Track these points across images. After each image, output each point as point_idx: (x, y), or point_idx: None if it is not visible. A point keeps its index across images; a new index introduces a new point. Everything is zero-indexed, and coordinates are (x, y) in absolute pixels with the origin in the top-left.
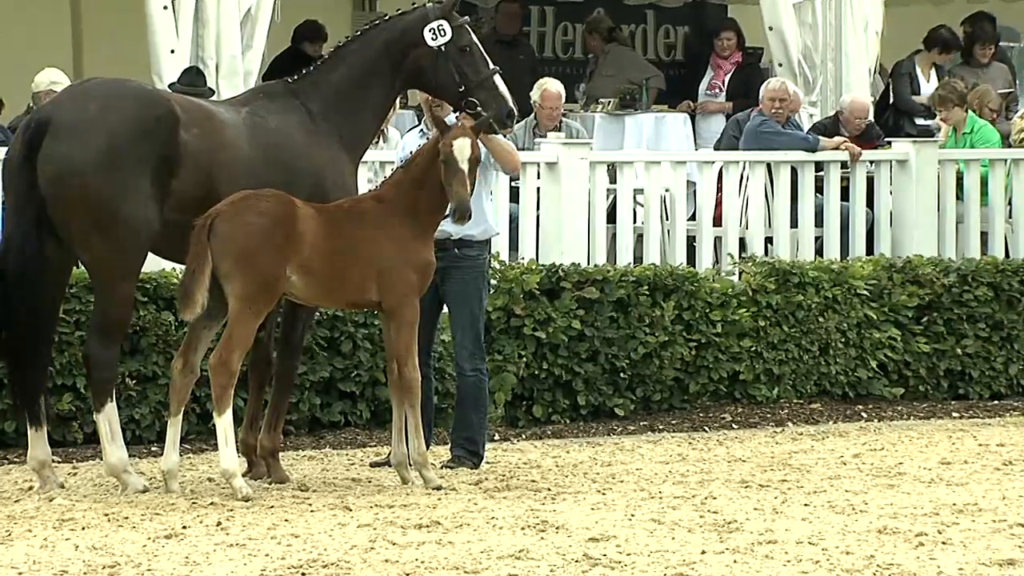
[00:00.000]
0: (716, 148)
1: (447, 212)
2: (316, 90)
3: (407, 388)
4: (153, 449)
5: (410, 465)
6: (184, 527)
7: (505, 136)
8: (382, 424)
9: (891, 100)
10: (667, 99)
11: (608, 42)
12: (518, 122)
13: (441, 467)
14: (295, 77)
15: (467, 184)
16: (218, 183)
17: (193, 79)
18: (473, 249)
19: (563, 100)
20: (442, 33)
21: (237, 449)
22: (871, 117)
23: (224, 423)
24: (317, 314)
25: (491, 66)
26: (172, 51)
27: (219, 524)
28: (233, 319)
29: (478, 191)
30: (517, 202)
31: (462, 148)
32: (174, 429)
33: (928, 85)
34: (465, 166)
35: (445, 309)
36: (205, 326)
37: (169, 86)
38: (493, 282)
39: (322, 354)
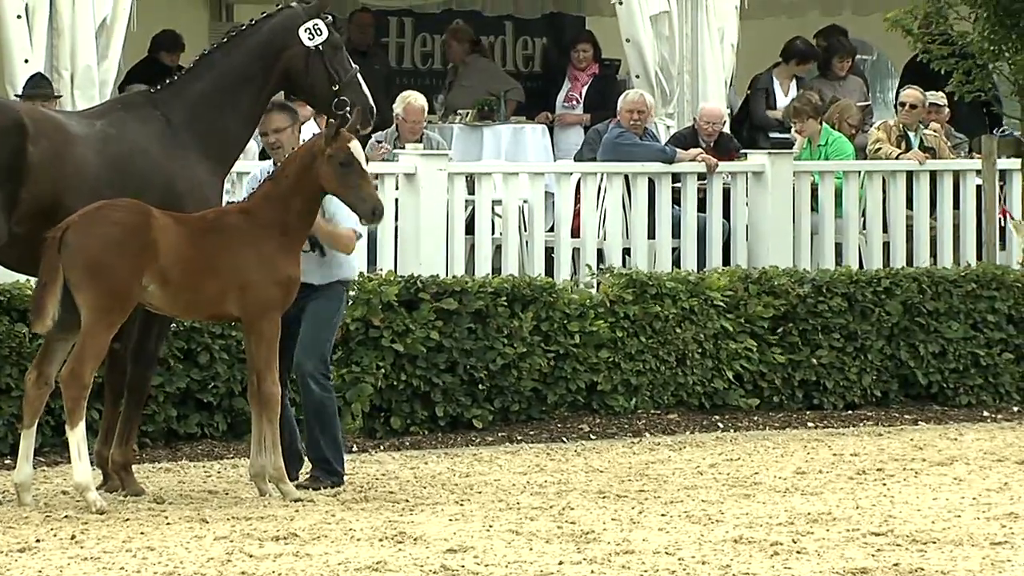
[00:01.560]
0: (575, 160)
1: (360, 219)
2: (179, 99)
3: (265, 402)
4: (7, 462)
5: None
6: (38, 540)
7: (369, 138)
8: (239, 436)
9: (748, 114)
10: (525, 110)
11: (471, 52)
12: (376, 130)
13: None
14: (158, 87)
15: (372, 182)
16: (66, 196)
17: (37, 83)
18: (335, 284)
19: (425, 113)
20: (318, 32)
21: (92, 462)
22: (727, 129)
23: (76, 436)
24: (174, 325)
25: (353, 64)
26: (26, 61)
27: (73, 537)
28: (85, 331)
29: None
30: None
31: (358, 148)
32: (27, 441)
33: (786, 99)
34: (366, 165)
35: None
36: (60, 338)
37: (16, 96)
38: (352, 294)
39: (179, 365)
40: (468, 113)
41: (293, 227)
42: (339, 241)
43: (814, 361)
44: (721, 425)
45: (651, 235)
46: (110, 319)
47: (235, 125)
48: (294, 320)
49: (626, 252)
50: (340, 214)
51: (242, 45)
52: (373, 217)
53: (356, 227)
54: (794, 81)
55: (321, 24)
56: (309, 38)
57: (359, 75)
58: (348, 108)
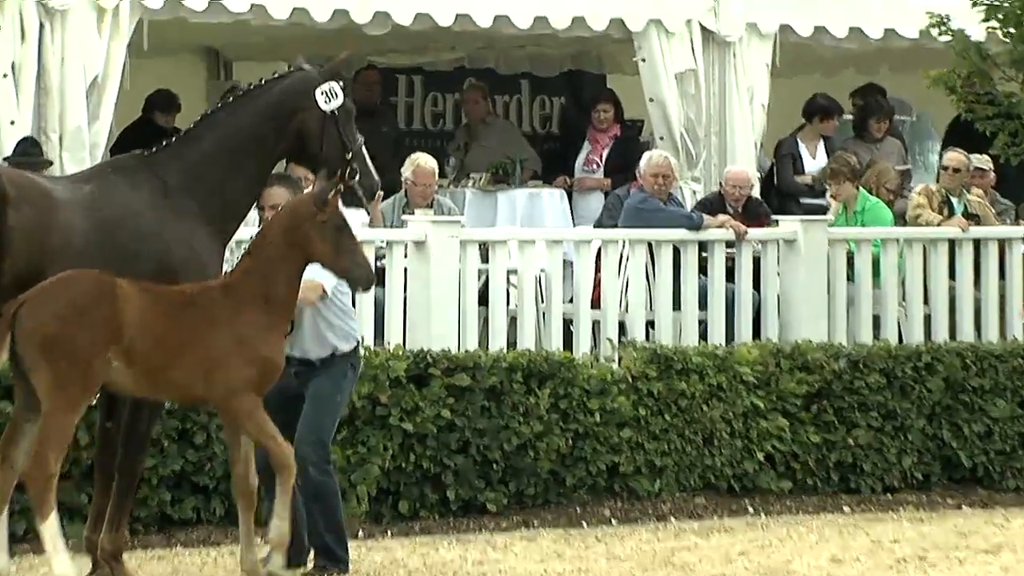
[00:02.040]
0: (595, 226)
1: (352, 288)
2: (177, 160)
3: (279, 469)
4: None
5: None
6: None
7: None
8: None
9: (775, 182)
10: (543, 174)
11: (492, 112)
12: (384, 199)
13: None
14: (153, 149)
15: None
16: (50, 267)
17: (27, 148)
18: (334, 360)
19: (436, 177)
20: (334, 96)
21: (82, 547)
22: (757, 193)
23: (49, 529)
24: (168, 403)
25: (358, 135)
26: (12, 122)
27: None
28: (45, 414)
29: (322, 308)
30: (382, 285)
31: (345, 210)
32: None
33: (815, 160)
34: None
35: None
36: (28, 418)
37: (4, 159)
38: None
39: (173, 446)
40: (482, 177)
41: (276, 302)
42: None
43: (850, 441)
44: (751, 509)
45: (676, 306)
46: (71, 399)
47: (239, 188)
48: (298, 399)
49: (650, 324)
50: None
51: (251, 105)
52: (369, 284)
53: (325, 282)
54: (821, 142)
55: (337, 88)
56: (326, 101)
57: (364, 146)
58: (358, 178)
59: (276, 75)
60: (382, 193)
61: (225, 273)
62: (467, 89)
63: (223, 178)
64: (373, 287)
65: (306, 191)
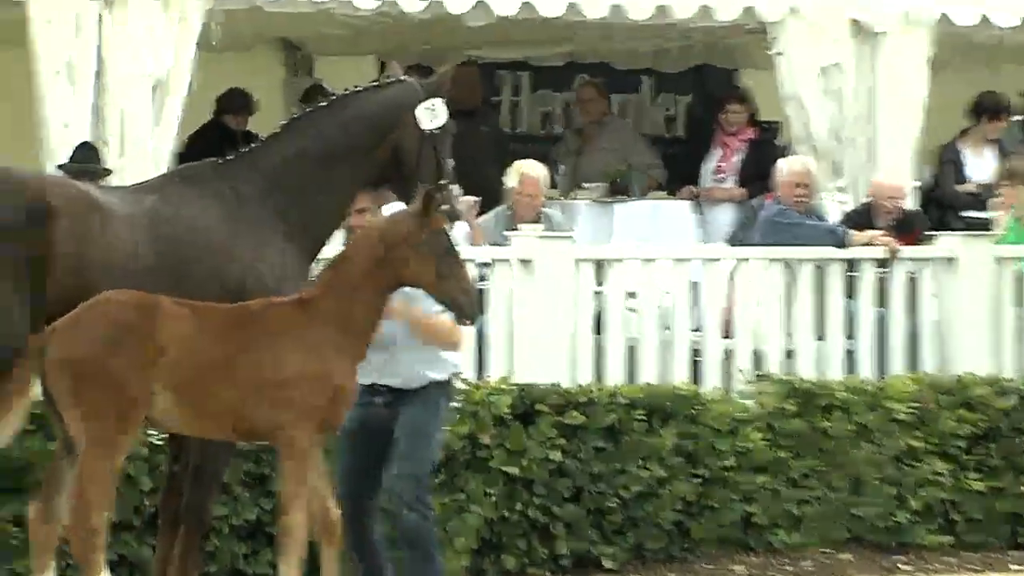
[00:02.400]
0: (726, 243)
1: (455, 318)
2: (255, 171)
3: (284, 533)
4: None
5: None
6: None
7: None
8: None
9: (936, 192)
10: (666, 183)
11: (608, 112)
12: (485, 212)
13: None
14: (229, 157)
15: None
16: (97, 287)
17: (84, 155)
18: (432, 388)
19: (545, 187)
20: (437, 114)
21: None
22: (914, 205)
23: None
24: (240, 444)
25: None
26: (66, 125)
27: None
28: (83, 461)
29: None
30: (483, 310)
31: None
32: None
33: (981, 167)
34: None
35: None
36: (69, 462)
37: (58, 167)
38: (455, 405)
39: (246, 493)
40: (597, 187)
41: (356, 326)
42: (440, 334)
43: (1021, 489)
44: (905, 567)
45: (819, 334)
46: (108, 440)
47: (326, 204)
48: (384, 434)
49: (788, 355)
50: (428, 301)
51: (344, 113)
52: (475, 315)
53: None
54: (988, 146)
55: (441, 105)
56: (429, 120)
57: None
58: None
59: (374, 83)
60: (474, 201)
61: (304, 287)
62: (581, 86)
63: (309, 192)
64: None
65: (394, 207)
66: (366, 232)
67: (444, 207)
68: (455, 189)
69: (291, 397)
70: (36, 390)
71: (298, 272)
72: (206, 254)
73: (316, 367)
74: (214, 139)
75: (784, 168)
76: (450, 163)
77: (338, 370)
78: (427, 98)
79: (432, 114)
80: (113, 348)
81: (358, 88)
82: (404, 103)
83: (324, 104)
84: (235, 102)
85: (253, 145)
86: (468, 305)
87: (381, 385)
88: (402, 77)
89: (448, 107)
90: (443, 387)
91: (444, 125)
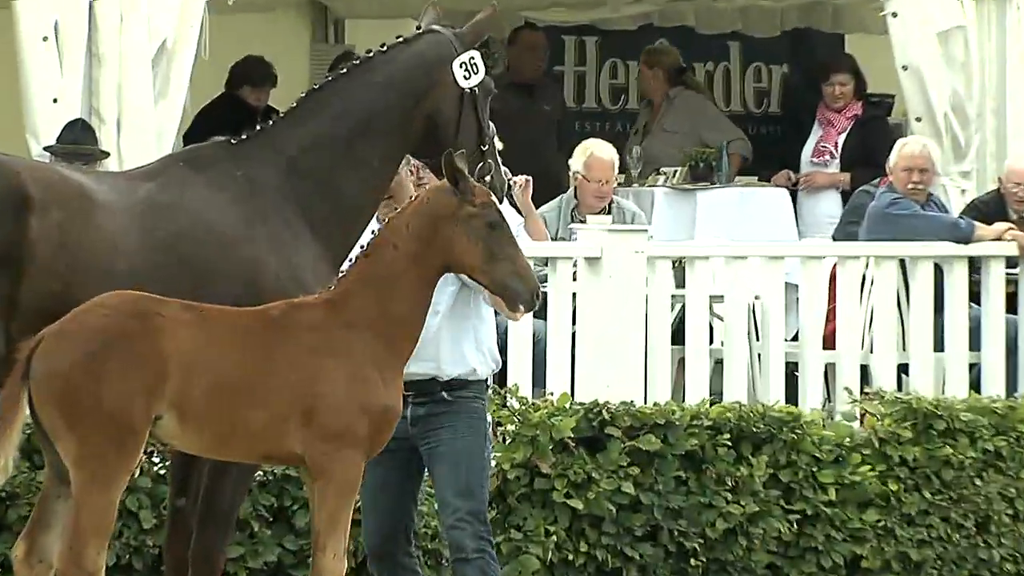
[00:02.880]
0: (830, 238)
1: (510, 304)
2: (272, 152)
3: None
4: None
5: None
6: None
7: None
8: None
9: None
10: (757, 168)
11: (674, 84)
12: (544, 201)
13: None
14: (242, 136)
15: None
16: (83, 292)
17: (77, 136)
18: (469, 390)
19: (616, 171)
20: (475, 70)
21: None
22: None
23: None
24: (259, 472)
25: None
26: (55, 100)
27: None
28: (77, 494)
29: (467, 303)
30: (543, 316)
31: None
32: None
33: None
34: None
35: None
36: (59, 494)
37: (45, 149)
38: (510, 428)
39: (266, 530)
40: (675, 172)
41: (399, 327)
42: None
43: None
44: None
45: (938, 346)
46: (105, 471)
47: (357, 188)
48: (409, 460)
49: (902, 369)
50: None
51: (371, 78)
52: (533, 302)
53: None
54: None
55: (478, 59)
56: (465, 76)
57: (497, 139)
58: (489, 174)
59: (400, 39)
60: (525, 179)
61: (330, 284)
62: (641, 57)
63: (336, 175)
64: (531, 313)
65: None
66: (404, 210)
67: (485, 177)
68: (495, 162)
69: (331, 424)
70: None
71: (325, 274)
72: (214, 253)
73: (359, 388)
74: (227, 116)
75: (898, 150)
76: (491, 128)
77: (383, 387)
78: (463, 51)
79: (469, 69)
80: (108, 363)
81: (384, 47)
82: (438, 58)
83: (346, 70)
84: (253, 72)
85: (270, 122)
86: (523, 291)
87: (409, 382)
88: (435, 27)
89: (495, 68)
90: (482, 389)
91: (482, 83)
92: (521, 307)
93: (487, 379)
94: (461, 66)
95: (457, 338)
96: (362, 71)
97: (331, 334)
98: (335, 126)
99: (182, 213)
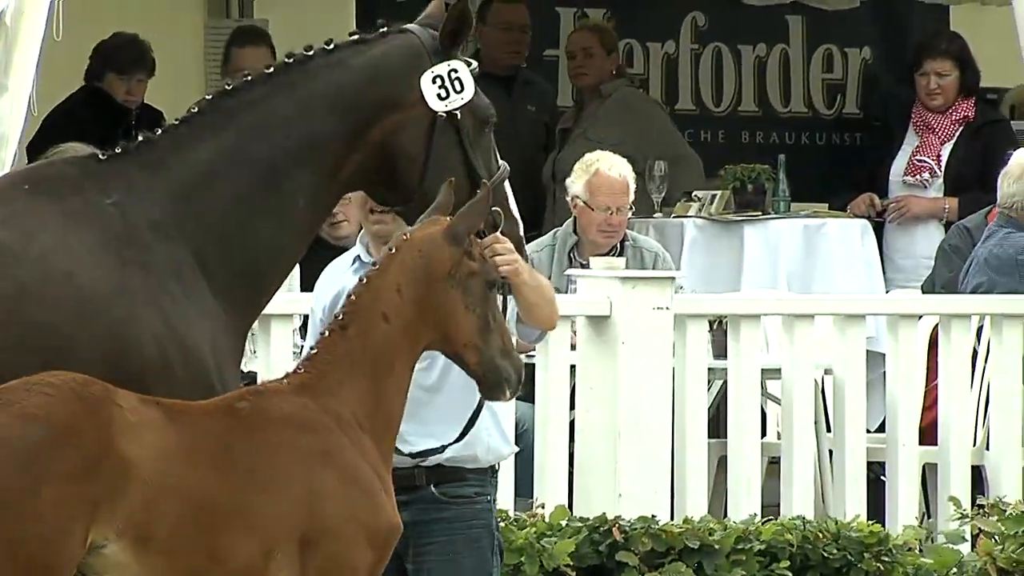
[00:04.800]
0: (927, 287)
1: (489, 392)
2: (157, 176)
3: None
4: None
5: None
6: None
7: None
8: None
9: None
10: (828, 192)
11: (614, 76)
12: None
13: None
14: (115, 150)
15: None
16: None
17: None
18: (468, 485)
19: (632, 195)
20: (455, 87)
21: None
22: None
23: None
24: None
25: (499, 159)
26: None
27: None
28: None
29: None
30: (530, 398)
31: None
32: None
33: None
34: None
35: None
36: None
37: None
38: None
39: None
40: (714, 197)
41: (388, 421)
42: (551, 298)
43: None
44: None
45: None
46: None
47: (274, 237)
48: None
49: None
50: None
51: (302, 89)
52: (517, 387)
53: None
54: None
55: (464, 71)
56: (440, 96)
57: (508, 183)
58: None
59: (356, 37)
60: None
61: (299, 364)
62: (597, 33)
63: (244, 215)
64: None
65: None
66: (384, 271)
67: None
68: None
69: (333, 553)
70: None
71: (227, 347)
72: (73, 314)
73: (363, 506)
74: (88, 117)
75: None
76: (502, 168)
77: (386, 501)
78: (440, 60)
79: (447, 84)
80: (36, 474)
81: (330, 45)
82: (400, 69)
83: (271, 70)
84: (120, 56)
85: (157, 132)
86: (513, 372)
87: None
88: (409, 26)
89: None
90: (487, 486)
91: (472, 104)
92: (508, 393)
93: (490, 469)
94: (435, 81)
95: (460, 408)
96: (293, 76)
97: (322, 433)
98: (249, 148)
99: (26, 260)
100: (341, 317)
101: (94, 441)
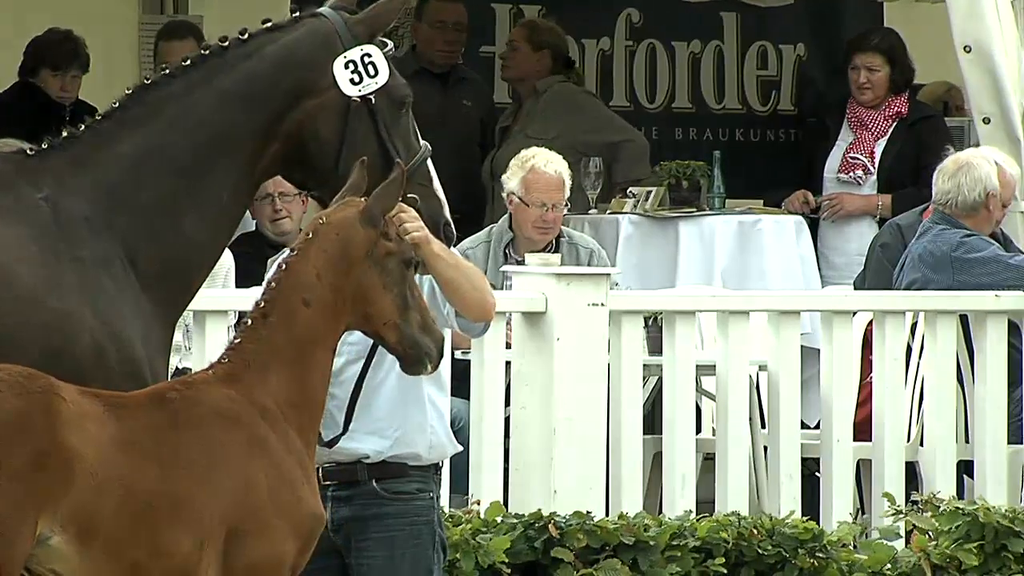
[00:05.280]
0: (858, 282)
1: (417, 367)
2: (85, 171)
3: None
4: None
5: None
6: None
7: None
8: None
9: None
10: (763, 187)
11: (550, 72)
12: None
13: None
14: (42, 146)
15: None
16: None
17: None
18: (411, 481)
19: (567, 191)
20: (369, 71)
21: None
22: None
23: None
24: None
25: (420, 139)
26: None
27: None
28: None
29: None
30: (464, 394)
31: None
32: None
33: None
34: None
35: None
36: None
37: None
38: None
39: None
40: (649, 193)
41: (311, 409)
42: (479, 284)
43: None
44: None
45: (1014, 436)
46: None
47: (199, 230)
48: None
49: (964, 467)
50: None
51: (219, 80)
52: (437, 362)
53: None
54: None
55: (377, 56)
56: (352, 80)
57: (430, 162)
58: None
59: (268, 23)
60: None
61: (223, 353)
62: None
63: (170, 208)
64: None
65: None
66: (303, 255)
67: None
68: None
69: (256, 547)
70: None
71: (157, 339)
72: (7, 308)
73: (286, 497)
74: (21, 113)
75: (965, 165)
76: (423, 146)
77: (309, 492)
78: (354, 43)
79: (360, 69)
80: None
81: (244, 34)
82: (312, 54)
83: (188, 62)
84: (55, 51)
85: (82, 128)
86: (434, 346)
87: (328, 468)
88: (321, 10)
89: (392, 60)
90: (429, 482)
91: (387, 87)
92: (429, 367)
93: (433, 467)
94: (348, 66)
95: (402, 404)
96: (210, 68)
97: (248, 425)
98: (171, 142)
99: None
100: (262, 305)
101: (41, 434)
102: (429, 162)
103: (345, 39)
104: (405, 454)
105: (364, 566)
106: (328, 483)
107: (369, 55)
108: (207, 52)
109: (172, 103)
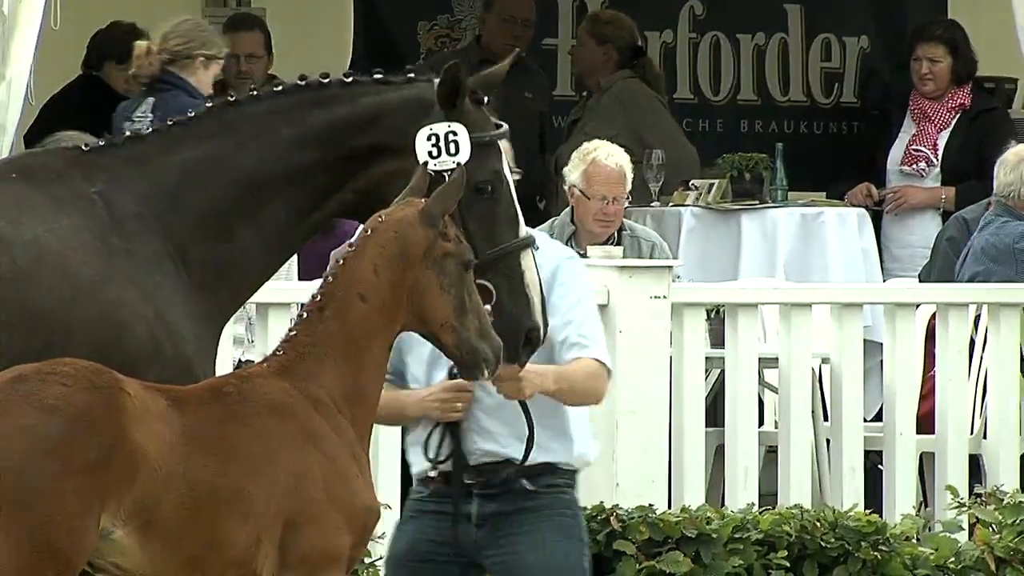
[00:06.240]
0: (924, 275)
1: (474, 372)
2: (141, 170)
3: None
4: None
5: None
6: None
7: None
8: None
9: None
10: (826, 181)
11: (617, 67)
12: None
13: None
14: (100, 142)
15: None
16: None
17: None
18: (558, 477)
19: (629, 184)
20: (450, 149)
21: None
22: None
23: None
24: None
25: (522, 227)
26: None
27: None
28: None
29: (549, 354)
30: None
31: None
32: None
33: None
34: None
35: None
36: None
37: None
38: None
39: None
40: (711, 186)
41: (365, 405)
42: (587, 385)
43: None
44: None
45: None
46: None
47: (250, 239)
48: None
49: None
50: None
51: (304, 113)
52: (495, 366)
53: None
54: None
55: (462, 136)
56: (431, 154)
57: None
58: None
59: (378, 75)
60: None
61: (278, 347)
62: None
63: (227, 217)
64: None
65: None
66: (361, 252)
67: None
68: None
69: (313, 540)
70: None
71: (208, 342)
72: (66, 297)
73: (341, 490)
74: (86, 106)
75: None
76: (518, 232)
77: (364, 484)
78: (436, 120)
79: (441, 145)
80: (50, 459)
81: (348, 78)
82: (408, 119)
83: (280, 88)
84: (119, 45)
85: (149, 128)
86: (492, 352)
87: (466, 469)
88: (425, 78)
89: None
90: (574, 482)
91: (465, 166)
92: (486, 373)
93: (575, 472)
94: (430, 138)
95: (549, 406)
96: (300, 100)
97: (303, 417)
98: (236, 157)
99: (18, 244)
100: (319, 298)
101: (109, 430)
102: (528, 260)
103: (434, 110)
104: (557, 456)
105: (508, 559)
106: (473, 481)
107: (455, 133)
108: (303, 83)
109: (247, 123)
